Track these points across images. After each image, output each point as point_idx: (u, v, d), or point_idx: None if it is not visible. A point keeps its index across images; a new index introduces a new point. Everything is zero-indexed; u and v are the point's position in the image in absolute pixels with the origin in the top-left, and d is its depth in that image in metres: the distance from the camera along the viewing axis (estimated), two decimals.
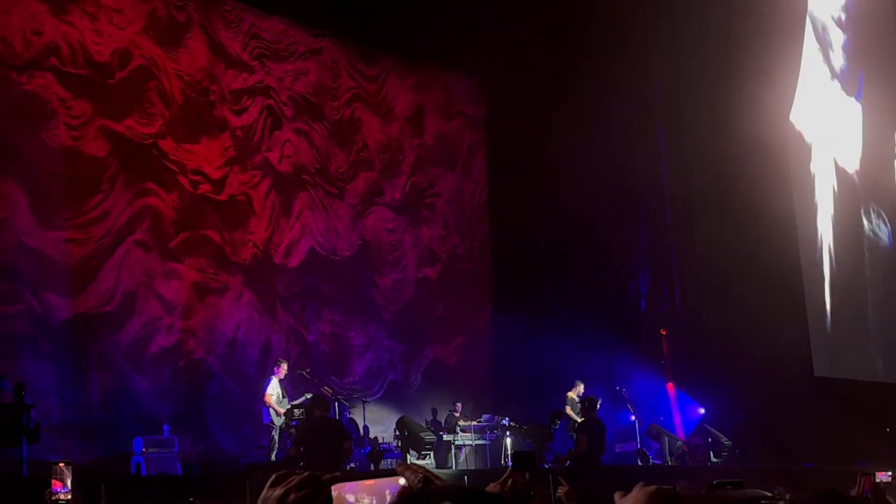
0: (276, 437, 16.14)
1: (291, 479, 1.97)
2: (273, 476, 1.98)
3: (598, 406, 16.26)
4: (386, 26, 20.64)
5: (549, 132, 21.14)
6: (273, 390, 16.40)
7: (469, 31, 20.26)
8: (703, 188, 20.84)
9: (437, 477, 1.88)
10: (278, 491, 1.90)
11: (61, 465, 4.82)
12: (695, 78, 20.63)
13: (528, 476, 3.55)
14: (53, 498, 4.58)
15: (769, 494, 2.50)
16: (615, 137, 21.57)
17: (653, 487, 2.41)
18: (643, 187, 22.08)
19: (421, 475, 1.86)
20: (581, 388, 18.51)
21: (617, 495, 2.47)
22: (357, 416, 18.13)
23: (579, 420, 17.16)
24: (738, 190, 19.99)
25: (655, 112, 22.19)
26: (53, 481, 4.67)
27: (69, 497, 4.64)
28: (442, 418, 19.33)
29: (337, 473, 2.04)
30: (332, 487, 1.93)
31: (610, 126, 21.39)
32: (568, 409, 18.24)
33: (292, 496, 1.88)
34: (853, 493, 5.85)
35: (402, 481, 1.88)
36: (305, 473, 1.98)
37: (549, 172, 20.93)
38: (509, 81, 21.68)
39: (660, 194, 22.02)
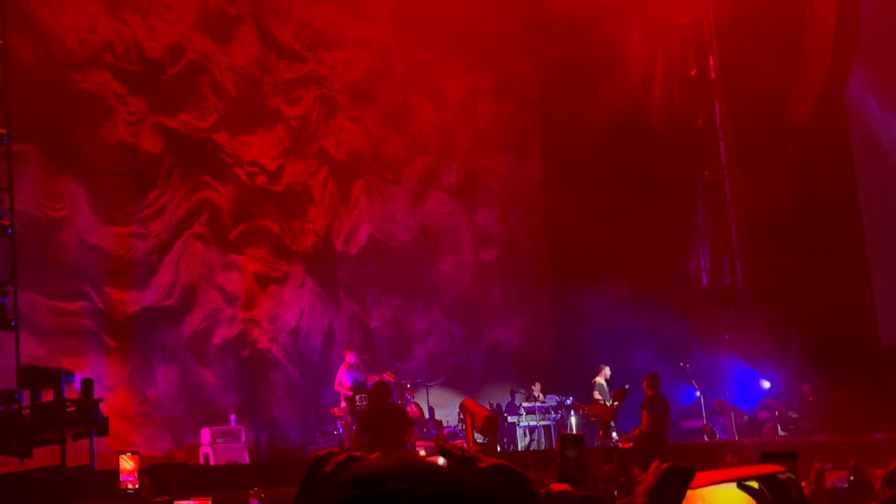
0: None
1: (332, 459, 1.95)
2: (314, 458, 1.97)
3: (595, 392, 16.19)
4: (436, 8, 20.55)
5: (603, 110, 20.96)
6: (345, 377, 16.50)
7: (521, 11, 20.14)
8: (760, 160, 20.55)
9: (479, 458, 1.85)
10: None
11: (128, 455, 4.89)
12: (754, 48, 20.32)
13: (575, 455, 3.54)
14: (122, 486, 4.65)
15: (786, 469, 2.46)
16: (672, 112, 21.36)
17: (667, 464, 2.40)
18: (700, 161, 21.83)
19: (459, 455, 1.82)
20: (607, 371, 18.44)
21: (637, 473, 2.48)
22: (421, 400, 18.17)
23: (609, 404, 17.06)
24: (797, 161, 19.73)
25: (710, 83, 21.90)
26: (121, 470, 4.74)
27: (137, 485, 4.71)
28: (519, 401, 19.31)
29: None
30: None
31: (667, 101, 21.19)
32: (596, 395, 18.16)
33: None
34: None
35: (441, 461, 1.84)
36: (344, 453, 1.97)
37: (603, 152, 20.75)
38: (563, 62, 21.50)
39: (717, 167, 21.76)
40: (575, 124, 21.36)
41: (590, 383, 18.57)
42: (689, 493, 2.43)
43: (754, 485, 2.55)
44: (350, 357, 16.72)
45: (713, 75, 21.65)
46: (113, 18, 16.82)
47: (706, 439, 17.94)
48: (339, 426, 16.44)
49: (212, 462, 14.64)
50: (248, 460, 15.11)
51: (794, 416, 18.45)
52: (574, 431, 17.53)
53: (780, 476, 2.56)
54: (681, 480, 2.39)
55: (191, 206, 17.43)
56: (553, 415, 18.85)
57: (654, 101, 21.50)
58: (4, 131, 12.84)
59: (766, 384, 19.89)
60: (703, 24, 21.85)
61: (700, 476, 2.48)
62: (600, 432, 16.54)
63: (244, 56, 18.63)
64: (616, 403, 16.36)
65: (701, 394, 18.62)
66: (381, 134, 20.72)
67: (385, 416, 13.32)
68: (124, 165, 16.67)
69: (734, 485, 2.58)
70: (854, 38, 20.10)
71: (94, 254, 16.06)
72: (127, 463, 4.75)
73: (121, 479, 4.68)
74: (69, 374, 13.41)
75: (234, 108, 18.29)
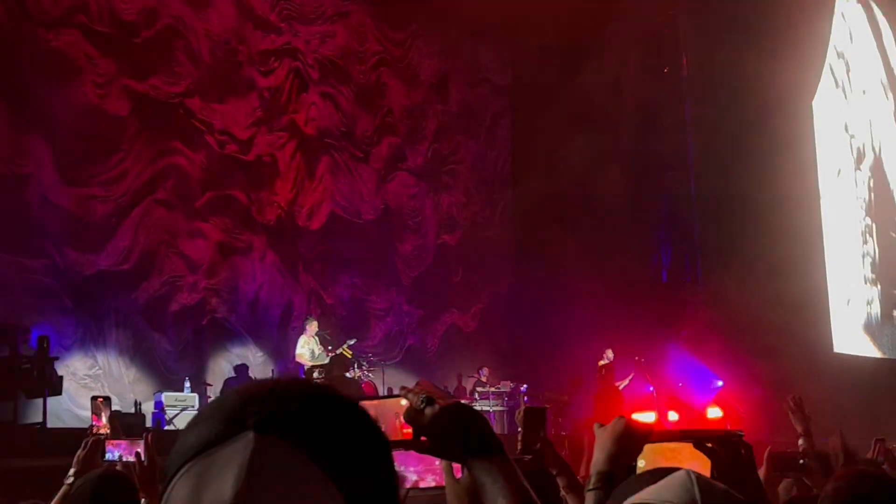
0: None
1: None
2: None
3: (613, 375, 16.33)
4: None
5: (572, 102, 21.05)
6: (303, 349, 16.49)
7: None
8: (727, 160, 20.74)
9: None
10: None
11: (100, 399, 4.93)
12: (722, 47, 20.49)
13: (541, 434, 3.62)
14: (95, 431, 4.68)
15: (741, 432, 2.57)
16: (639, 107, 21.49)
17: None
18: (668, 159, 22.00)
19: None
20: (610, 354, 18.50)
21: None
22: (377, 379, 18.22)
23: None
24: (764, 163, 19.92)
25: (681, 82, 22.06)
26: (94, 416, 4.79)
27: (108, 430, 4.75)
28: (467, 384, 19.42)
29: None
30: None
31: (635, 95, 21.30)
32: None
33: None
34: (867, 456, 5.97)
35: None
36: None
37: (572, 143, 20.85)
38: (537, 49, 21.58)
39: (684, 166, 21.93)
40: (546, 113, 21.46)
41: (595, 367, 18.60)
42: (646, 447, 2.52)
43: (709, 445, 2.65)
44: (308, 330, 16.74)
45: (685, 72, 21.82)
46: None
47: (656, 430, 18.08)
48: None
49: (164, 427, 14.63)
50: None
51: (743, 415, 18.64)
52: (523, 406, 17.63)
53: (734, 438, 2.65)
54: (640, 435, 2.48)
55: (156, 171, 17.32)
56: (507, 401, 18.97)
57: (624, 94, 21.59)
58: None
59: (719, 382, 20.11)
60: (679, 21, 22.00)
61: (657, 433, 2.57)
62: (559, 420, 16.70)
63: (220, 24, 18.54)
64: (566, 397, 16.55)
65: (654, 388, 18.78)
66: (351, 111, 20.70)
67: (340, 391, 13.35)
68: (90, 127, 16.53)
69: (690, 444, 2.67)
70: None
71: (55, 213, 15.95)
72: (98, 408, 4.78)
73: (93, 423, 4.72)
74: (25, 331, 13.38)
75: (208, 75, 18.22)
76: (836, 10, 22.11)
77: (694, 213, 21.89)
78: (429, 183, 21.99)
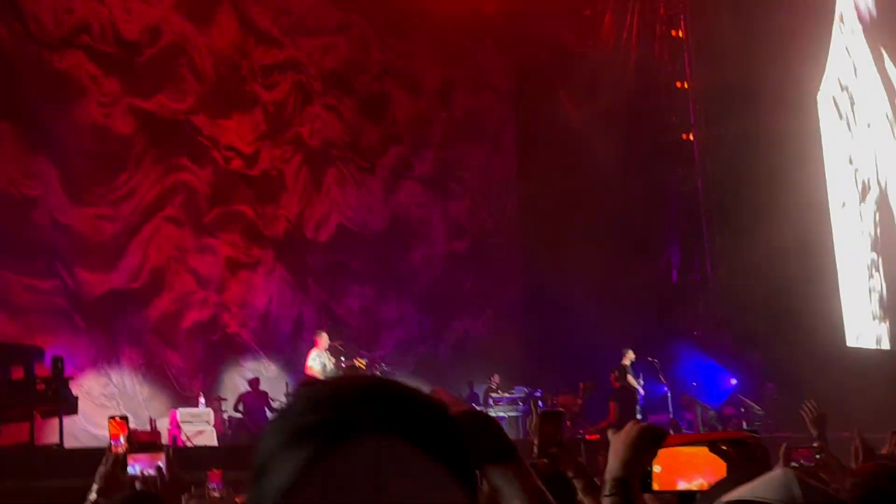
0: None
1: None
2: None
3: (629, 375, 16.25)
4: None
5: (578, 104, 21.08)
6: (314, 361, 16.46)
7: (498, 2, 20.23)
8: (734, 158, 20.71)
9: (457, 402, 1.92)
10: None
11: (117, 419, 4.96)
12: (728, 46, 20.47)
13: (553, 430, 3.63)
14: (114, 450, 4.72)
15: (755, 432, 2.59)
16: (645, 108, 21.49)
17: (644, 423, 2.50)
18: (674, 158, 21.99)
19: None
20: (631, 354, 18.32)
21: (610, 432, 2.56)
22: None
23: (639, 386, 17.21)
24: (771, 160, 19.90)
25: (687, 83, 22.04)
26: (112, 435, 4.81)
27: (126, 448, 4.78)
28: (480, 391, 19.40)
29: None
30: None
31: (639, 97, 21.32)
32: (630, 378, 17.94)
33: None
34: (884, 451, 5.95)
35: None
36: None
37: (577, 145, 20.87)
38: (540, 53, 21.62)
39: (690, 164, 21.92)
40: (550, 117, 21.48)
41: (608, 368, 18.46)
42: (661, 452, 2.53)
43: (724, 448, 2.66)
44: (320, 342, 16.72)
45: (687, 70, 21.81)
46: None
47: (672, 433, 18.02)
48: None
49: (179, 444, 14.63)
50: (216, 443, 15.10)
51: (759, 412, 18.60)
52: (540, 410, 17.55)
53: (749, 440, 2.66)
54: (655, 440, 2.49)
55: (164, 188, 17.40)
56: (522, 406, 18.92)
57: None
58: None
59: (733, 381, 20.09)
60: None
61: (672, 437, 2.58)
62: (568, 423, 16.63)
63: (223, 39, 18.60)
64: (584, 395, 16.51)
65: (668, 388, 18.74)
66: (356, 122, 20.74)
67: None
68: (96, 146, 16.61)
69: (705, 448, 2.68)
70: None
71: (65, 234, 16.04)
72: (115, 427, 4.81)
73: (112, 443, 4.73)
74: (39, 352, 13.42)
75: (212, 90, 18.28)
76: (839, 43, 22.07)
77: (700, 210, 21.86)
78: (436, 191, 22.00)
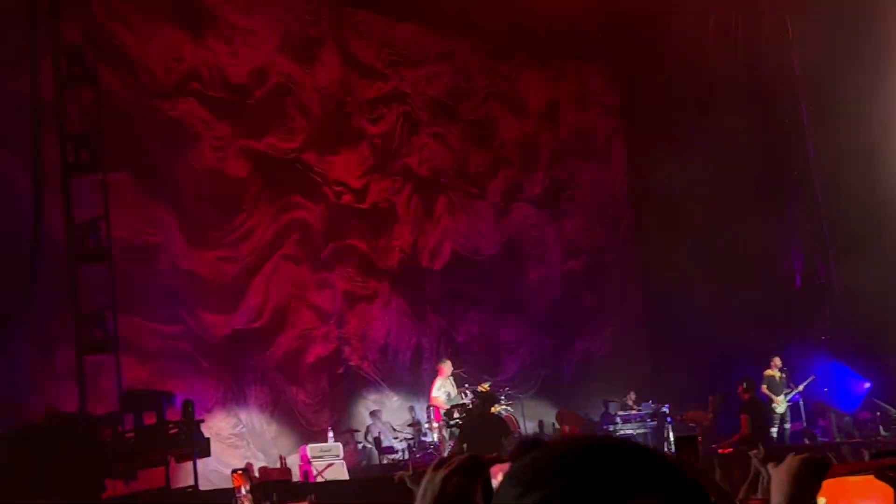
0: (447, 436, 16.06)
1: (453, 461, 1.96)
2: (436, 460, 1.98)
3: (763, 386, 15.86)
4: (515, 21, 20.52)
5: (688, 112, 20.79)
6: (438, 391, 16.45)
7: (599, 17, 20.10)
8: (851, 159, 20.19)
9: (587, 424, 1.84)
10: (441, 473, 1.91)
11: (239, 472, 5.00)
12: (838, 45, 20.00)
13: (690, 456, 3.52)
14: (236, 498, 4.76)
15: None
16: (758, 112, 21.10)
17: (804, 455, 2.40)
18: (789, 162, 21.52)
19: (407, 476, 1.84)
20: (778, 361, 17.82)
21: (770, 465, 2.45)
22: (517, 412, 18.11)
23: (778, 399, 16.85)
24: (887, 158, 19.37)
25: (797, 84, 21.57)
26: (235, 486, 4.86)
27: (249, 498, 4.82)
28: (613, 410, 19.15)
29: (497, 454, 2.01)
30: (493, 468, 1.91)
31: (752, 101, 20.95)
32: (764, 388, 17.52)
33: (455, 478, 1.88)
34: None
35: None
36: (466, 456, 1.97)
37: (691, 153, 20.54)
38: (644, 65, 21.42)
39: (806, 168, 21.41)
40: (659, 128, 21.24)
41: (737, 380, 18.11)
42: (826, 482, 2.41)
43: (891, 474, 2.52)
44: (443, 371, 16.71)
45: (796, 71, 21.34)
46: (198, 46, 17.14)
47: (807, 442, 17.59)
48: (435, 440, 16.43)
49: (311, 479, 14.75)
50: (347, 476, 15.17)
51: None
52: (673, 437, 17.30)
53: None
54: (818, 471, 2.37)
55: (279, 227, 17.66)
56: (650, 422, 18.64)
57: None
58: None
59: (867, 384, 19.51)
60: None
61: (837, 467, 2.46)
62: (700, 439, 16.30)
63: (327, 76, 18.83)
64: (713, 410, 16.16)
65: (801, 396, 18.28)
66: (463, 148, 20.79)
67: (486, 426, 13.32)
68: (212, 190, 16.94)
69: (871, 475, 2.55)
70: None
71: (186, 278, 16.36)
72: (237, 480, 4.86)
73: (237, 496, 4.78)
74: (170, 397, 13.67)
75: (320, 127, 18.51)
76: None
77: (821, 214, 21.32)
78: (548, 211, 21.91)
